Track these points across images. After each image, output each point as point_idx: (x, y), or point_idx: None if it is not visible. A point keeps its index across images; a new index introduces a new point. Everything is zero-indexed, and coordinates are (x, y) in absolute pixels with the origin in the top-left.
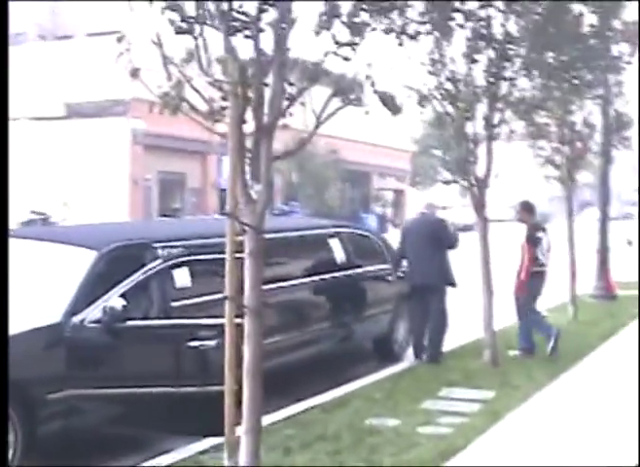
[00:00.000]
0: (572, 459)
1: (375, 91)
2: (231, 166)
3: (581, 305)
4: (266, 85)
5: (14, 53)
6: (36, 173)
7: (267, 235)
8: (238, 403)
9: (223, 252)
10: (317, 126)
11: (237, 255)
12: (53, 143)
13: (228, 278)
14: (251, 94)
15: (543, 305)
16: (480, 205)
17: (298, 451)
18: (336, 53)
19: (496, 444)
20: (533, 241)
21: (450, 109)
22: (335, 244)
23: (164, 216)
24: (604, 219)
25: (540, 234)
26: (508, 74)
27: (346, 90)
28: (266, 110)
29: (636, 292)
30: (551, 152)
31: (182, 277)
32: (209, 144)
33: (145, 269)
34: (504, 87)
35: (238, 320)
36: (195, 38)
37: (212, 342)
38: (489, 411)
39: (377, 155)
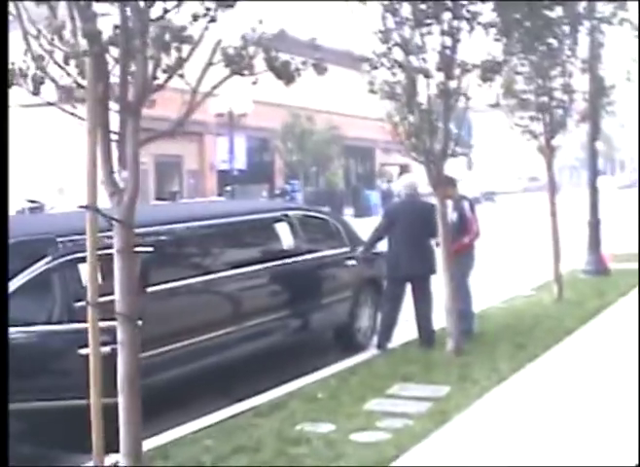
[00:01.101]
0: None
1: (265, 59)
2: (89, 152)
3: (570, 282)
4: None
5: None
6: (33, 161)
7: (203, 222)
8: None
9: (147, 243)
10: (193, 101)
11: (104, 252)
12: (46, 130)
13: (89, 281)
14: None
15: (529, 283)
16: (436, 182)
17: None
18: (206, 15)
19: (431, 454)
20: (474, 213)
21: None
22: (282, 229)
23: (161, 200)
24: (593, 190)
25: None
26: (463, 36)
27: (234, 59)
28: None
29: (633, 265)
30: (529, 121)
31: None
32: (205, 125)
33: (36, 266)
34: (461, 51)
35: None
36: (52, 7)
37: (106, 348)
38: (437, 411)
39: (380, 130)
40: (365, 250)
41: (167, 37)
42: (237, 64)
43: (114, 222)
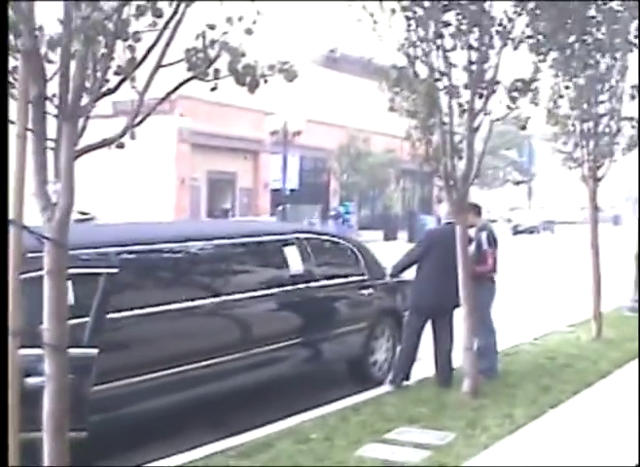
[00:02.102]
0: None
1: (231, 63)
2: (17, 159)
3: (613, 320)
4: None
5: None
6: (84, 172)
7: (209, 242)
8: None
9: (122, 265)
10: (139, 107)
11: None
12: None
13: (11, 306)
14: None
15: (569, 319)
16: (457, 209)
17: None
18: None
19: None
20: (495, 245)
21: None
22: (291, 253)
23: (213, 217)
24: None
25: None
26: (492, 53)
27: (196, 63)
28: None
29: None
30: (573, 147)
31: None
32: (261, 142)
33: None
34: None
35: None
36: None
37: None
38: (433, 462)
39: None
40: (392, 274)
41: (107, 34)
42: (200, 67)
43: (45, 240)
